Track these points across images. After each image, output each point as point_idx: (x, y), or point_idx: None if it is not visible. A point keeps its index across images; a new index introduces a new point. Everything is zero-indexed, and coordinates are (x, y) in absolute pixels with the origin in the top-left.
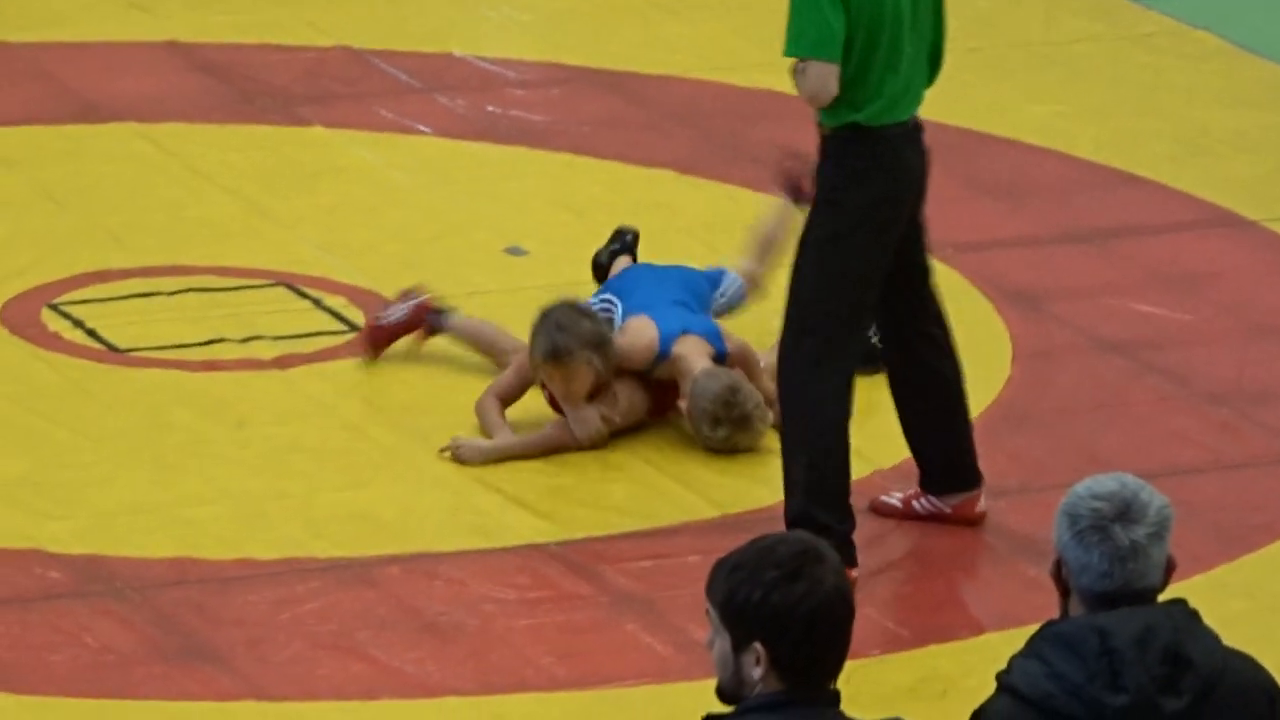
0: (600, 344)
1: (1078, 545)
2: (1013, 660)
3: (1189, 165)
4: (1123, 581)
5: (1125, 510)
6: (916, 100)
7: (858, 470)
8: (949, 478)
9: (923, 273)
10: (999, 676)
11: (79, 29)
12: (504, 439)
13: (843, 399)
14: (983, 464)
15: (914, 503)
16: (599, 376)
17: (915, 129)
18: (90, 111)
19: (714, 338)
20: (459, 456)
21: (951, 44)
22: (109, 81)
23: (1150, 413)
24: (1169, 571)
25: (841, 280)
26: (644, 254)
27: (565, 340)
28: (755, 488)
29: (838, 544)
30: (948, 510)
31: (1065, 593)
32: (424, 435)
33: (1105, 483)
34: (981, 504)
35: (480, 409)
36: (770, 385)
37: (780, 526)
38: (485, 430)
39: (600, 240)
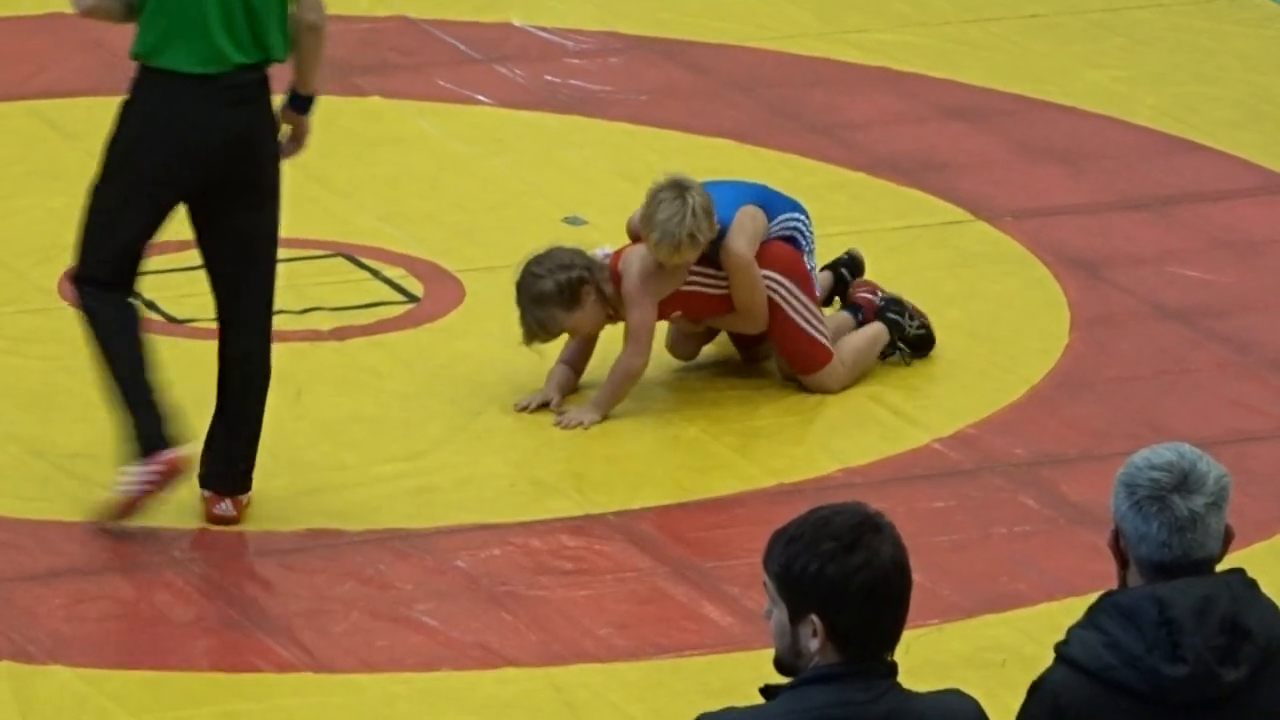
0: (570, 290)
1: (1136, 515)
2: (1071, 631)
3: (1249, 131)
4: (1181, 552)
5: (1184, 480)
6: (232, 56)
7: (913, 439)
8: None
9: (231, 292)
10: (1057, 647)
11: None
12: (600, 399)
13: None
14: (1043, 431)
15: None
16: (598, 308)
17: (233, 88)
18: None
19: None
20: (582, 424)
21: (1009, 10)
22: None
23: (1210, 380)
24: (1227, 541)
25: (95, 214)
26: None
27: (542, 315)
28: (815, 455)
29: None
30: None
31: (1124, 563)
32: (481, 407)
33: (1163, 453)
34: (223, 508)
35: (550, 376)
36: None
37: (839, 496)
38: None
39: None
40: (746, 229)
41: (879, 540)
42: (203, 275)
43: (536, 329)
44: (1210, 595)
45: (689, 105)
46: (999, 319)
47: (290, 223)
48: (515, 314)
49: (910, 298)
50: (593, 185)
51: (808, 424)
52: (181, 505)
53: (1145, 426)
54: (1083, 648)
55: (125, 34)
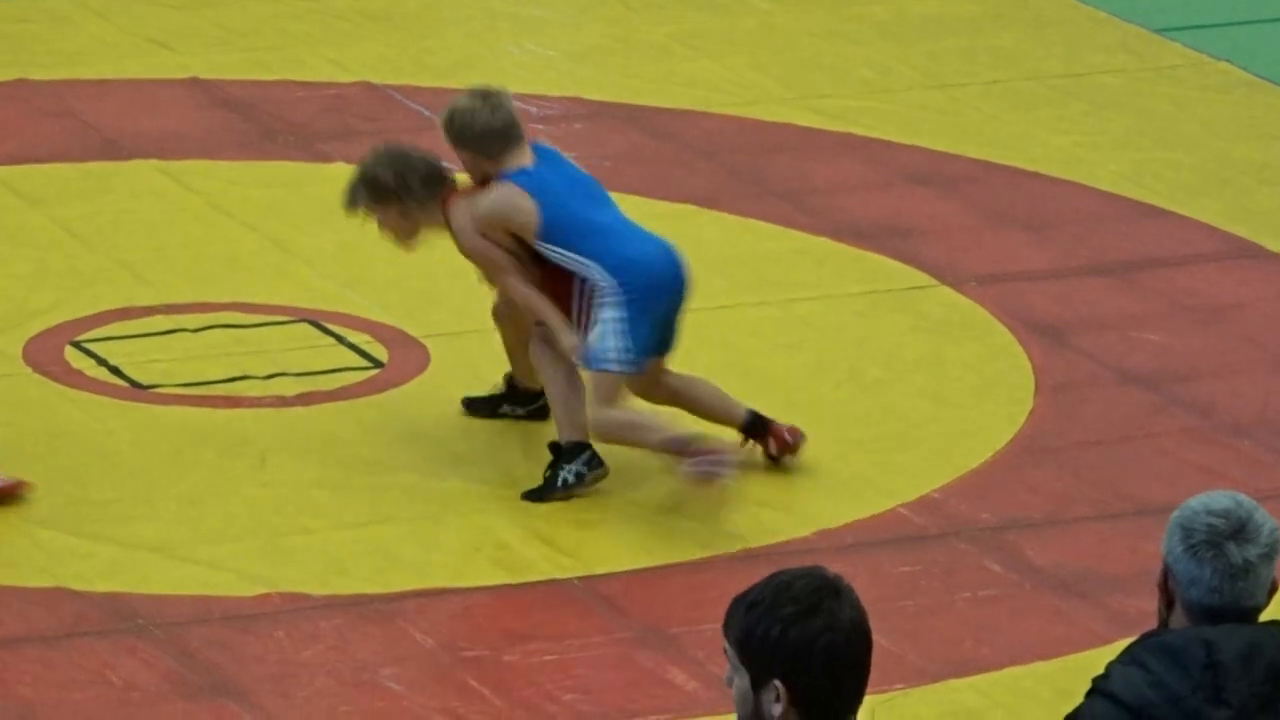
0: (377, 190)
1: (1190, 559)
2: (1111, 667)
3: (1211, 196)
4: (1232, 599)
5: (1241, 529)
6: None
7: (877, 504)
8: None
9: None
10: (1095, 681)
11: (101, 66)
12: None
13: None
14: (1008, 496)
15: None
16: (399, 220)
17: None
18: (112, 148)
19: None
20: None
21: (972, 76)
22: (131, 119)
23: (1175, 445)
24: (1272, 592)
25: None
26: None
27: (353, 193)
28: (780, 520)
29: None
30: None
31: (1169, 604)
32: (446, 471)
33: (1220, 499)
34: None
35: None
36: None
37: (804, 560)
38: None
39: None
40: (470, 214)
41: (839, 604)
42: (170, 340)
43: (347, 198)
44: (1257, 642)
45: (652, 171)
46: (963, 384)
47: (255, 288)
48: (480, 378)
49: (874, 363)
50: None
51: (773, 489)
52: (143, 571)
53: (1110, 492)
54: (1125, 684)
55: (94, 101)
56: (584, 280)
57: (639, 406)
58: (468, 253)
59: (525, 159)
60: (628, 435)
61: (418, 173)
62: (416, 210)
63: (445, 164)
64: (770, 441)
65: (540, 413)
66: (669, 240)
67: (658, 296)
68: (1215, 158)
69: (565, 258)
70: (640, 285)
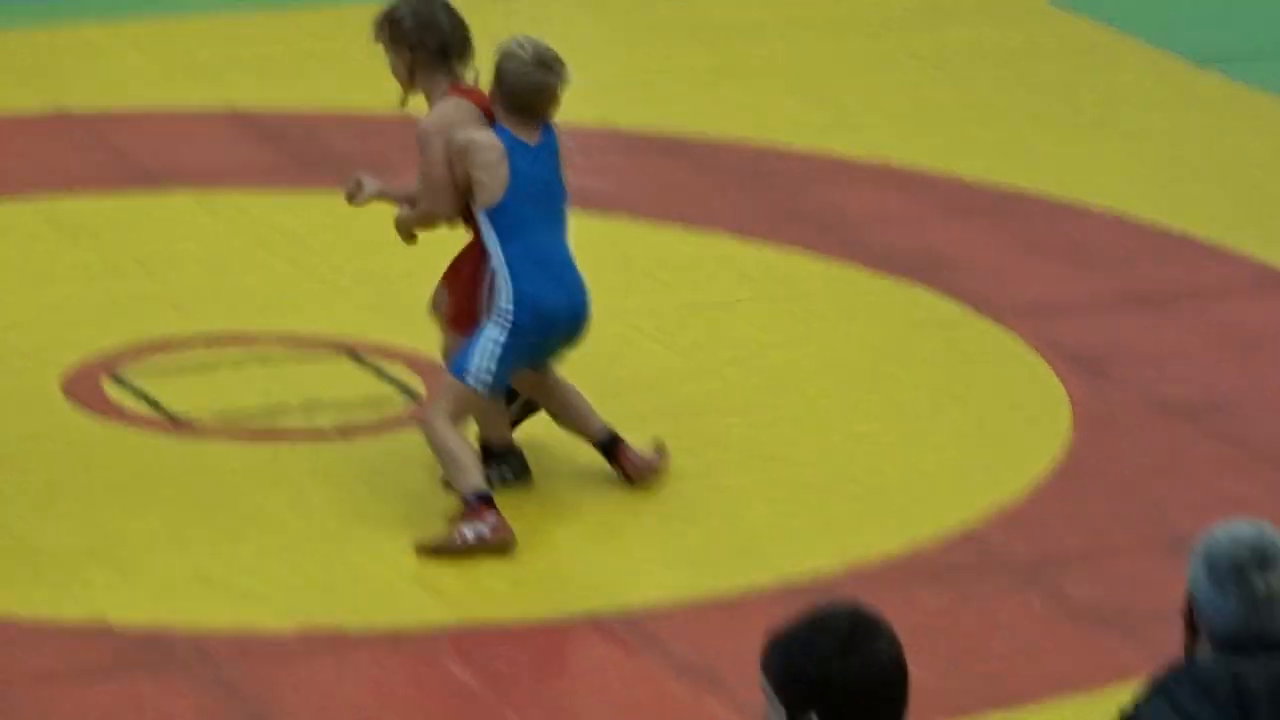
0: (393, 31)
1: (1213, 589)
2: (1138, 698)
3: (1248, 227)
4: (1257, 628)
5: (1265, 557)
6: None
7: (914, 536)
8: None
9: None
10: (1122, 713)
11: (140, 97)
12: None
13: None
14: (1045, 529)
15: None
16: (401, 68)
17: None
18: (151, 180)
19: None
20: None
21: (1010, 107)
22: (169, 150)
23: (1213, 477)
24: None
25: None
26: (708, 319)
27: (379, 26)
28: (817, 553)
29: None
30: None
31: (1194, 634)
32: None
33: (1244, 528)
34: None
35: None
36: None
37: (841, 594)
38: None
39: (664, 302)
40: (448, 122)
41: (876, 640)
42: (208, 373)
43: (374, 27)
44: None
45: (689, 202)
46: (1001, 416)
47: (294, 320)
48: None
49: (912, 395)
50: (592, 281)
51: (809, 521)
52: (182, 605)
53: (1147, 523)
54: (1154, 715)
55: (132, 132)
56: (494, 275)
57: (464, 439)
58: (419, 143)
59: (533, 136)
60: (441, 457)
61: (437, 37)
62: (420, 70)
63: (468, 50)
64: (623, 465)
65: (528, 408)
66: (581, 287)
67: (542, 344)
68: (1253, 189)
69: (493, 247)
70: (529, 328)
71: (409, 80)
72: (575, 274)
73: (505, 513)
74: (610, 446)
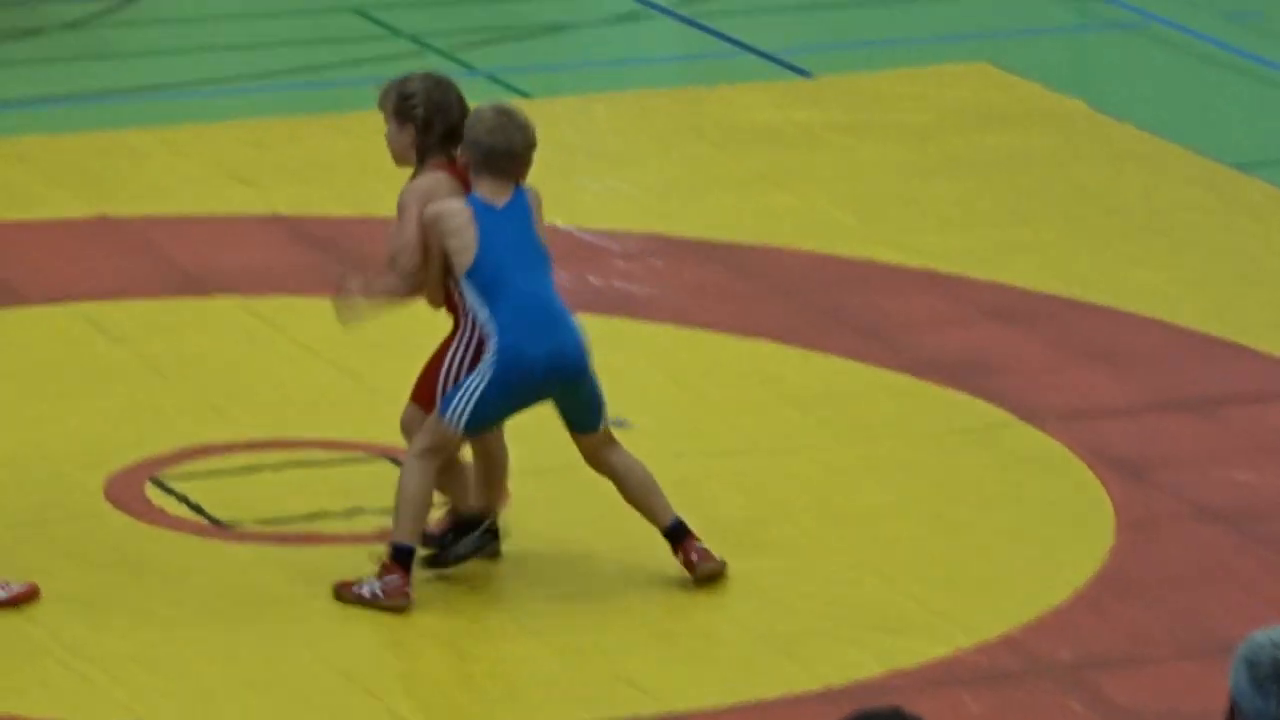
0: (400, 107)
1: (1256, 693)
2: None
3: None
4: None
5: None
6: None
7: (958, 641)
8: None
9: None
10: None
11: (184, 203)
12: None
13: None
14: (1088, 634)
15: None
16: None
17: None
18: (194, 285)
19: None
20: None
21: (1053, 212)
22: (213, 255)
23: (1255, 582)
24: None
25: None
26: (751, 424)
27: (382, 97)
28: (860, 657)
29: None
30: None
31: None
32: (526, 604)
33: None
34: None
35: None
36: None
37: (884, 699)
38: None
39: (706, 407)
40: (426, 195)
41: None
42: (250, 477)
43: (380, 94)
44: None
45: (733, 307)
46: (1043, 521)
47: (336, 425)
48: (561, 516)
49: (955, 501)
50: (637, 388)
51: (852, 626)
52: (223, 709)
53: (1191, 629)
54: None
55: (176, 237)
56: (479, 326)
57: (427, 491)
58: (399, 208)
59: (501, 198)
60: (402, 497)
61: (445, 123)
62: (419, 148)
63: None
64: (681, 553)
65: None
66: (570, 331)
67: (528, 391)
68: None
69: (479, 311)
70: (508, 377)
71: (406, 154)
72: (562, 319)
73: (546, 623)
74: (677, 534)
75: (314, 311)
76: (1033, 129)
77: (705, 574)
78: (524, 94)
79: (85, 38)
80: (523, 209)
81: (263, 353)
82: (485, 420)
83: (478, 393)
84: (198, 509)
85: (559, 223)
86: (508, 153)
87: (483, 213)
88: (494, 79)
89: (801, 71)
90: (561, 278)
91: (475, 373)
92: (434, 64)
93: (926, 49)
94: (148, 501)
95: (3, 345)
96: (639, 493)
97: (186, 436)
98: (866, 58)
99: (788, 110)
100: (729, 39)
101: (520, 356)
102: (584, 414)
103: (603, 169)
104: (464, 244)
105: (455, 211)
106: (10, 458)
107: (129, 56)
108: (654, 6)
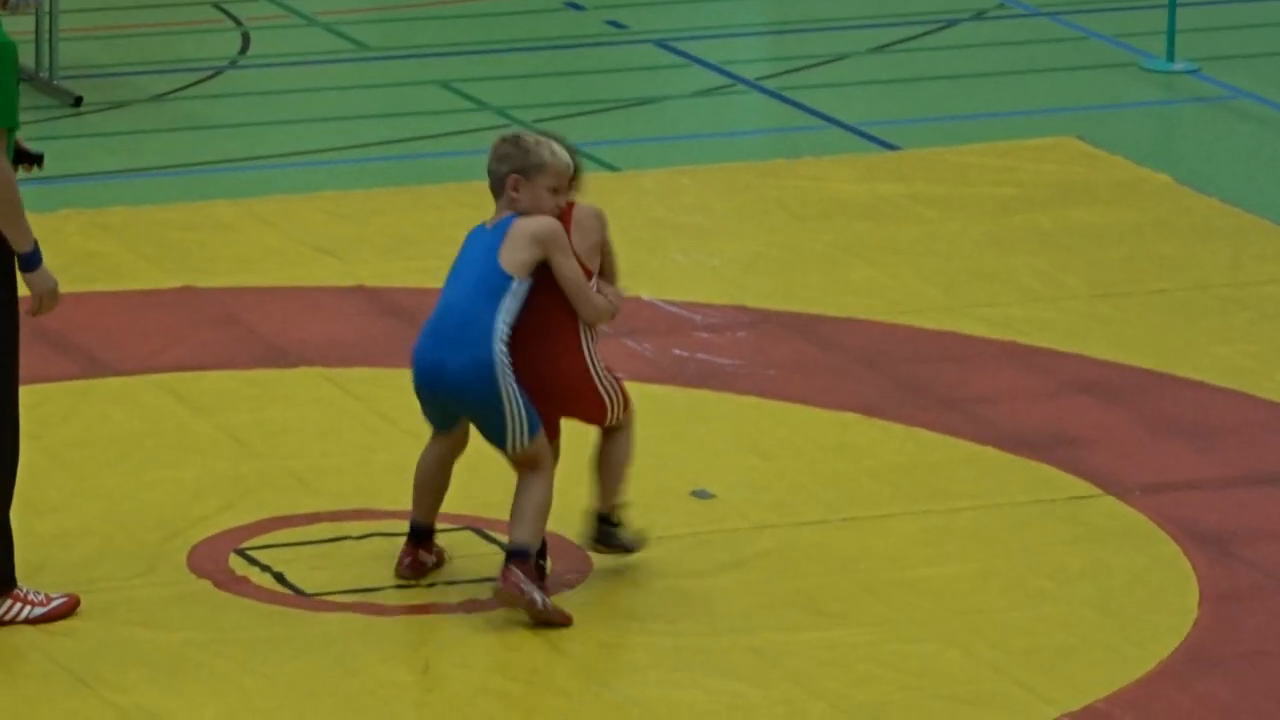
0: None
1: None
2: None
3: None
4: None
5: None
6: None
7: (1042, 715)
8: None
9: None
10: None
11: (267, 274)
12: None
13: None
14: (1172, 707)
15: None
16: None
17: None
18: (278, 356)
19: None
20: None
21: (1137, 285)
22: (297, 326)
23: None
24: None
25: None
26: (833, 495)
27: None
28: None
29: None
30: None
31: None
32: (608, 679)
33: None
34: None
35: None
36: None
37: None
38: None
39: (789, 478)
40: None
41: None
42: (334, 548)
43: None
44: None
45: (817, 379)
46: (1127, 594)
47: None
48: (636, 589)
49: (1038, 573)
50: (720, 459)
51: (934, 697)
52: None
53: (1275, 703)
54: None
55: (260, 308)
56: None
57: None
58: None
59: (497, 217)
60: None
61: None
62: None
63: None
64: (501, 573)
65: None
66: (461, 352)
67: (422, 396)
68: None
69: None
70: (414, 380)
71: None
72: (458, 334)
73: (629, 695)
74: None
75: (395, 382)
76: (1118, 203)
77: (502, 597)
78: (612, 167)
79: (171, 110)
80: (499, 230)
81: (345, 423)
82: (427, 417)
83: None
84: (281, 578)
85: (643, 294)
86: (490, 174)
87: (472, 233)
88: (579, 152)
89: (887, 145)
90: (646, 349)
91: None
92: None
93: (1012, 123)
94: (231, 571)
95: (87, 416)
96: (514, 511)
97: (270, 507)
98: (952, 132)
99: (872, 183)
100: (815, 112)
101: (413, 359)
102: (485, 430)
103: (688, 241)
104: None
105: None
106: (93, 528)
107: (215, 129)
108: (741, 80)
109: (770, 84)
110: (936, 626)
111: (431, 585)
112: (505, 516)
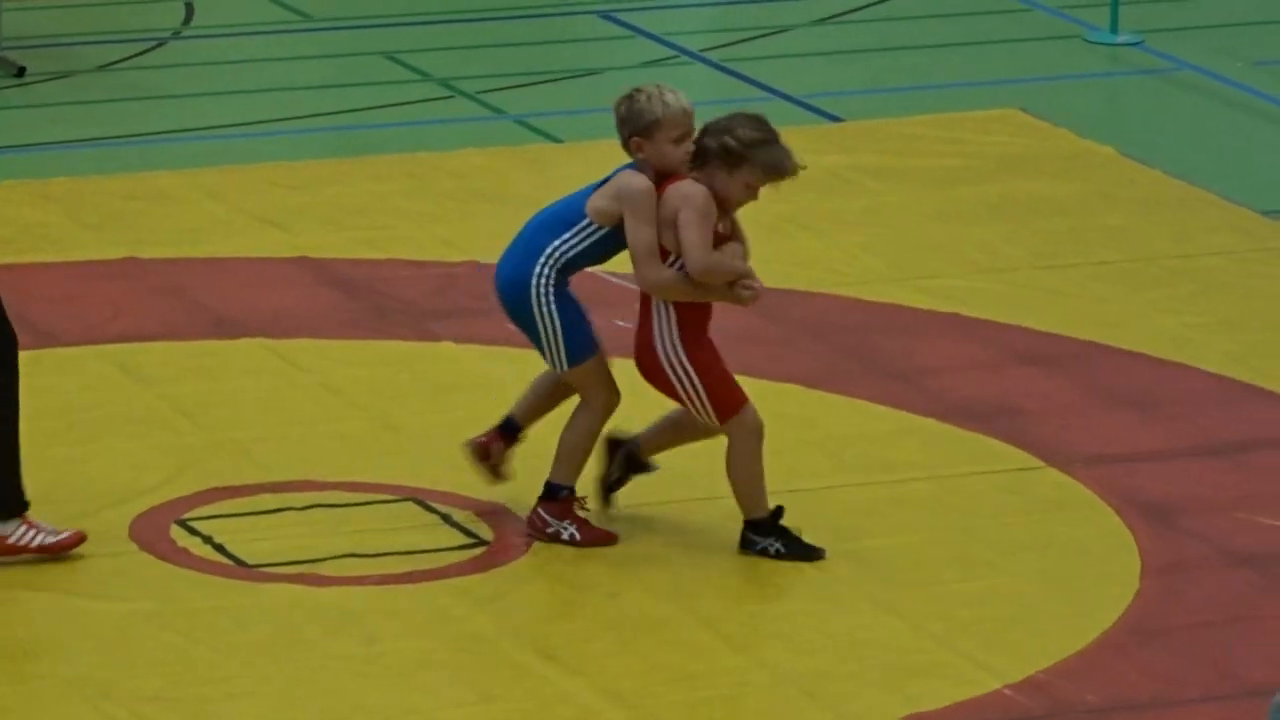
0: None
1: None
2: None
3: None
4: None
5: None
6: None
7: (983, 684)
8: None
9: None
10: None
11: (212, 245)
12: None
13: None
14: (1115, 678)
15: None
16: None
17: None
18: (223, 327)
19: None
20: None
21: (1081, 257)
22: (242, 297)
23: None
24: None
25: None
26: (775, 467)
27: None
28: (885, 701)
29: None
30: None
31: None
32: (553, 650)
33: None
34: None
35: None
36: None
37: None
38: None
39: None
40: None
41: None
42: (276, 519)
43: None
44: None
45: (761, 350)
46: (1071, 565)
47: (362, 467)
48: (582, 558)
49: (981, 544)
50: None
51: (877, 667)
52: None
53: (1218, 673)
54: None
55: (204, 279)
56: None
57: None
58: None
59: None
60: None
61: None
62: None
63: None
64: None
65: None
66: (505, 266)
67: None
68: None
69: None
70: None
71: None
72: (510, 250)
73: (572, 664)
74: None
75: (339, 353)
76: (1063, 175)
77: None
78: (554, 138)
79: (116, 80)
80: (610, 176)
81: (289, 394)
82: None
83: None
84: (222, 549)
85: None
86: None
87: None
88: (523, 123)
89: (832, 117)
90: (592, 320)
91: None
92: (463, 108)
93: (957, 95)
94: (173, 542)
95: (31, 387)
96: (557, 447)
97: (213, 478)
98: (897, 103)
99: (817, 155)
100: (759, 84)
101: None
102: (535, 345)
103: None
104: None
105: None
106: (38, 497)
107: (159, 99)
108: (684, 51)
109: (714, 55)
110: (880, 598)
111: (375, 557)
112: (446, 489)
